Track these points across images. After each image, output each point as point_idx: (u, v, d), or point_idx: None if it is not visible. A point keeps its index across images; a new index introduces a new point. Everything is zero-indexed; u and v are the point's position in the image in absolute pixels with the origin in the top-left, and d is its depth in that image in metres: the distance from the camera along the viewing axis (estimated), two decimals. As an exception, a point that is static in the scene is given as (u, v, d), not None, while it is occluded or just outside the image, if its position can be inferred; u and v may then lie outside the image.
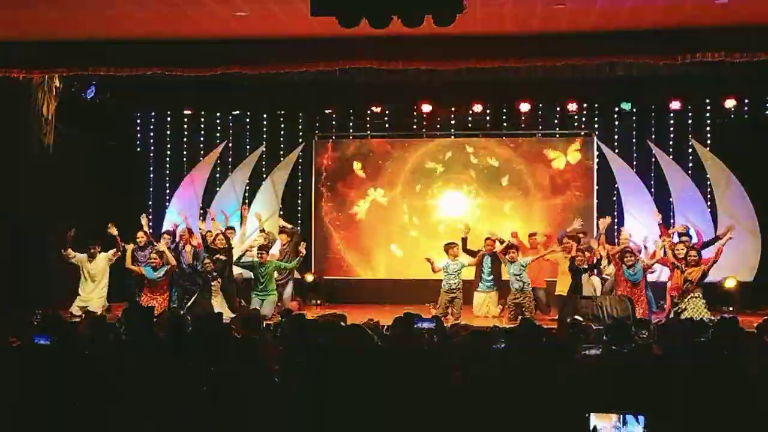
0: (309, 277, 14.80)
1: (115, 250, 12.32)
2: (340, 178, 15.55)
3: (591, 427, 3.38)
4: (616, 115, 14.91)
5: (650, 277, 12.31)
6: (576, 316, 10.92)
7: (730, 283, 13.26)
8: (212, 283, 12.03)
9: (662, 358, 5.67)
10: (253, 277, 12.67)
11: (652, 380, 4.75)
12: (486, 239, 12.99)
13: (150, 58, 11.38)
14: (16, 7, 9.79)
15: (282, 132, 15.65)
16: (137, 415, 3.49)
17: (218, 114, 15.53)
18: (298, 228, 14.60)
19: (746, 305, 12.99)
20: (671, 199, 14.51)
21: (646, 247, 12.57)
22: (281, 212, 15.30)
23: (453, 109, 15.16)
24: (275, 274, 12.67)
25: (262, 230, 13.35)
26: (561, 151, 15.07)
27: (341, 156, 15.58)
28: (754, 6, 9.67)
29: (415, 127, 15.45)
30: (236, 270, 12.94)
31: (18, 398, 3.18)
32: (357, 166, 15.50)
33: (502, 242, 12.73)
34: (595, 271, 12.21)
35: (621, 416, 3.40)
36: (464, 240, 13.00)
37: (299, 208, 15.40)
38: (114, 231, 12.33)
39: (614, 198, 14.83)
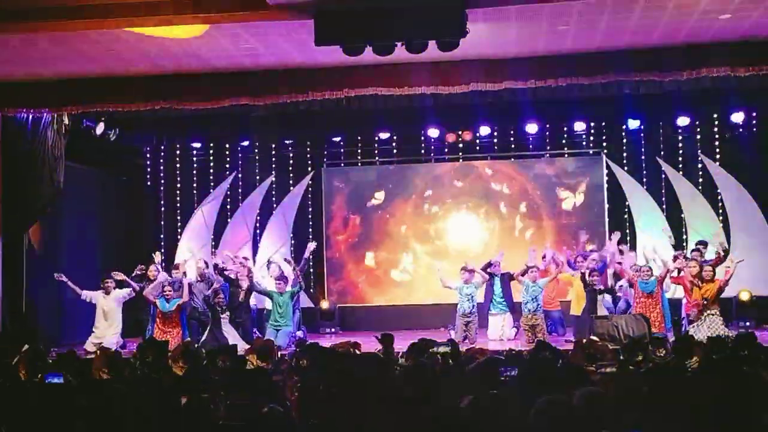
0: (324, 305, 14.76)
1: (130, 289, 12.32)
2: (350, 205, 15.58)
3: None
4: (624, 133, 14.90)
5: (666, 294, 12.22)
6: (592, 337, 10.88)
7: (744, 296, 13.13)
8: (222, 316, 12.00)
9: (680, 376, 5.62)
10: (270, 307, 12.64)
11: (671, 398, 4.71)
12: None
13: (157, 93, 11.45)
14: (19, 46, 9.90)
15: (291, 161, 15.72)
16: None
17: (227, 145, 15.61)
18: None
19: (764, 319, 12.86)
20: (683, 215, 14.45)
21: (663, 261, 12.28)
22: (292, 241, 15.33)
23: (460, 132, 15.18)
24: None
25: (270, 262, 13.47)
26: (570, 191, 15.08)
27: (350, 183, 15.63)
28: (757, 19, 9.67)
29: (423, 151, 15.49)
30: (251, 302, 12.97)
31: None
32: (367, 193, 15.54)
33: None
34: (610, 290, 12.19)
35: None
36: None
37: (310, 236, 15.35)
38: (120, 276, 12.37)
39: (625, 216, 14.78)
